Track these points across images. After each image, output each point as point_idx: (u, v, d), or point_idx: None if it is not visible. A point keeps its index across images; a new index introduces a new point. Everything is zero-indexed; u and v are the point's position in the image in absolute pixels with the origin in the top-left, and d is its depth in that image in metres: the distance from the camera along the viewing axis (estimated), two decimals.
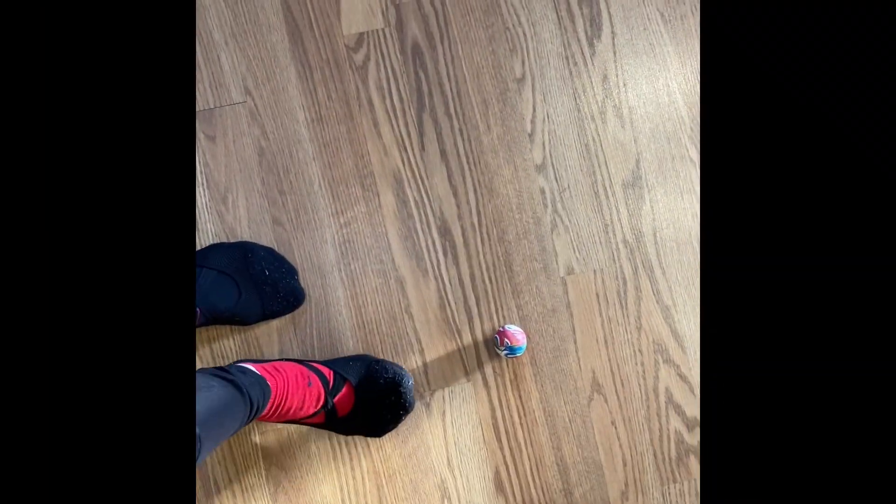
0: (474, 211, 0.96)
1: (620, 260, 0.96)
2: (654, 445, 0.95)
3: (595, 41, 0.97)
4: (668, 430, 0.95)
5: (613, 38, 0.97)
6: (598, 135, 0.96)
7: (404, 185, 0.96)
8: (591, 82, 0.97)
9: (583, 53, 0.97)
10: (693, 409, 0.95)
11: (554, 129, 0.96)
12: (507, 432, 0.94)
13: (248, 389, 0.75)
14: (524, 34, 0.97)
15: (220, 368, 0.79)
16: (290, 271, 0.93)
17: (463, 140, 0.96)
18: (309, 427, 0.91)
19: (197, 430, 0.61)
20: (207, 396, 0.68)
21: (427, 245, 0.96)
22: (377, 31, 0.97)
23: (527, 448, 0.94)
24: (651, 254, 0.96)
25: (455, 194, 0.96)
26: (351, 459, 0.93)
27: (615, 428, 0.95)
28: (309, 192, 0.96)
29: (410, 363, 0.95)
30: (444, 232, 0.96)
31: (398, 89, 0.96)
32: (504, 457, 0.94)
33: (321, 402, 0.85)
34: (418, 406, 0.94)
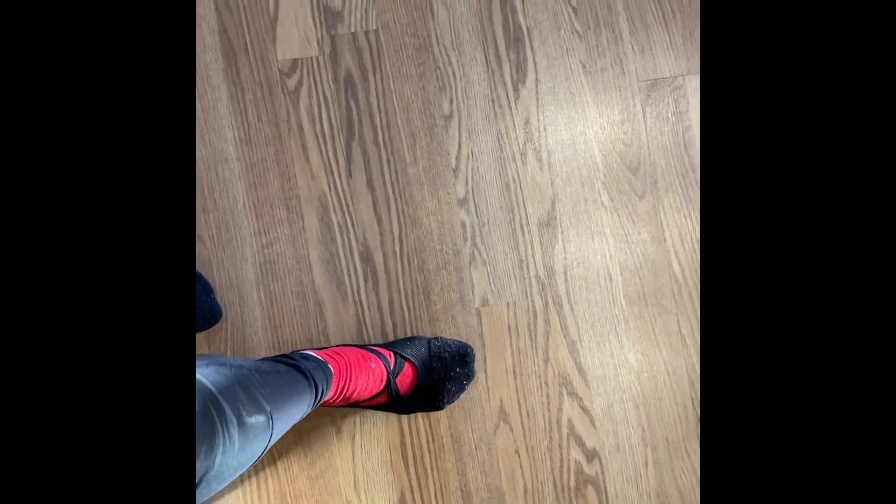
0: (397, 239, 0.99)
1: (532, 294, 1.00)
2: (554, 475, 0.99)
3: (520, 86, 1.02)
4: (569, 460, 0.99)
5: (537, 85, 1.02)
6: (518, 175, 1.01)
7: (329, 209, 0.98)
8: (514, 125, 1.02)
9: (507, 97, 1.02)
10: (593, 441, 1.00)
11: (477, 167, 1.01)
12: (414, 457, 0.97)
13: (311, 373, 0.75)
14: (454, 73, 1.01)
15: (283, 355, 0.81)
16: (206, 288, 0.93)
17: (390, 170, 0.99)
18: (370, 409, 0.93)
19: (268, 409, 0.61)
20: (275, 379, 0.68)
21: (348, 270, 0.98)
22: (311, 58, 0.99)
23: (432, 473, 0.97)
24: (561, 290, 1.01)
25: (379, 222, 0.99)
26: (257, 479, 0.93)
27: (518, 456, 0.98)
28: (232, 210, 0.96)
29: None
30: (366, 258, 0.98)
31: (329, 116, 0.99)
32: (410, 481, 0.96)
33: (384, 382, 0.87)
34: (328, 429, 0.95)
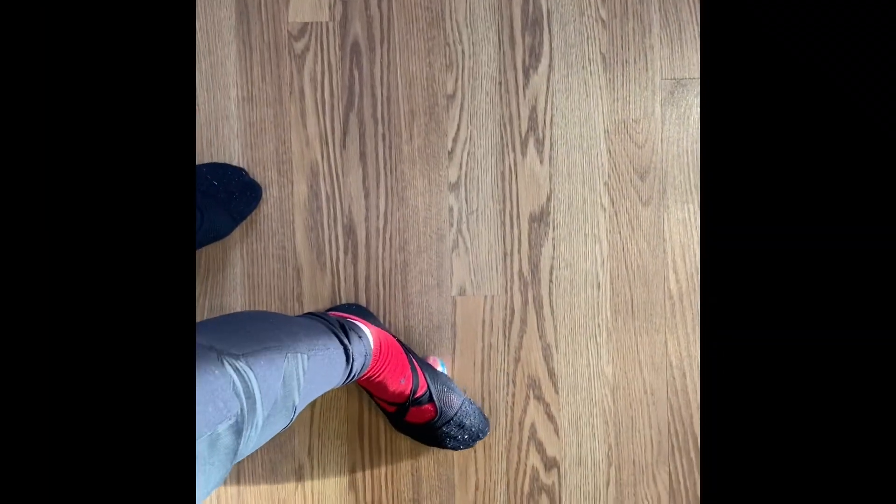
0: (381, 216, 0.98)
1: (513, 290, 0.97)
2: (508, 476, 0.96)
3: (531, 72, 0.97)
4: (526, 464, 0.96)
5: (550, 72, 0.97)
6: (516, 165, 0.97)
7: (319, 178, 0.98)
8: (519, 112, 0.97)
9: (516, 82, 0.97)
10: (554, 449, 0.96)
11: (474, 152, 0.97)
12: (370, 434, 0.97)
13: (354, 359, 0.76)
14: (463, 52, 0.97)
15: (342, 325, 0.79)
16: (236, 172, 0.95)
17: (384, 145, 0.98)
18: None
19: (297, 404, 0.63)
20: (321, 370, 0.69)
21: (330, 240, 0.98)
22: (321, 23, 0.98)
23: (386, 453, 0.97)
24: (543, 290, 0.96)
25: (366, 196, 0.98)
26: None
27: (474, 452, 0.96)
28: None
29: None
30: (349, 231, 0.98)
31: (331, 84, 0.98)
32: (363, 456, 0.97)
33: (402, 400, 0.88)
34: None
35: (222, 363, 0.53)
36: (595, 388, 0.96)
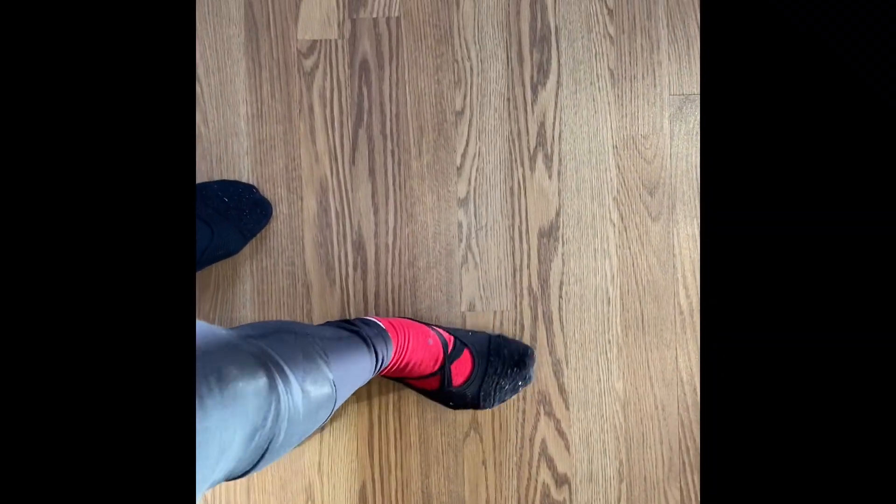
0: (391, 232, 0.98)
1: (522, 306, 0.97)
2: (519, 493, 0.96)
3: (539, 88, 0.97)
4: (537, 481, 0.96)
5: (558, 88, 0.97)
6: (524, 180, 0.97)
7: (329, 194, 0.98)
8: (528, 128, 0.97)
9: (525, 98, 0.97)
10: (565, 466, 0.96)
11: (482, 167, 0.97)
12: (380, 450, 0.96)
13: (372, 341, 0.78)
14: (471, 69, 0.98)
15: (346, 321, 0.83)
16: (246, 189, 0.96)
17: (393, 161, 0.98)
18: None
19: (332, 377, 0.64)
20: (338, 346, 0.71)
21: (340, 256, 0.98)
22: (330, 41, 0.99)
23: (396, 469, 0.96)
24: (553, 306, 0.96)
25: (375, 212, 0.98)
26: None
27: (485, 468, 0.96)
28: None
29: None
30: (359, 247, 0.98)
31: (340, 101, 0.98)
32: (373, 473, 0.97)
33: (438, 363, 0.87)
34: None
35: (240, 338, 0.55)
36: (606, 404, 0.96)
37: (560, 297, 0.96)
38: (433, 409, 0.96)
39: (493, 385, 0.90)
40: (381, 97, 0.98)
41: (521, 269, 0.97)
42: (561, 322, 0.96)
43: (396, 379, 0.91)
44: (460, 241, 0.97)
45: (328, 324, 0.82)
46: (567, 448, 0.96)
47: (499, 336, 0.93)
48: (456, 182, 0.98)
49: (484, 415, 0.96)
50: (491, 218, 0.97)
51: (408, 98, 0.98)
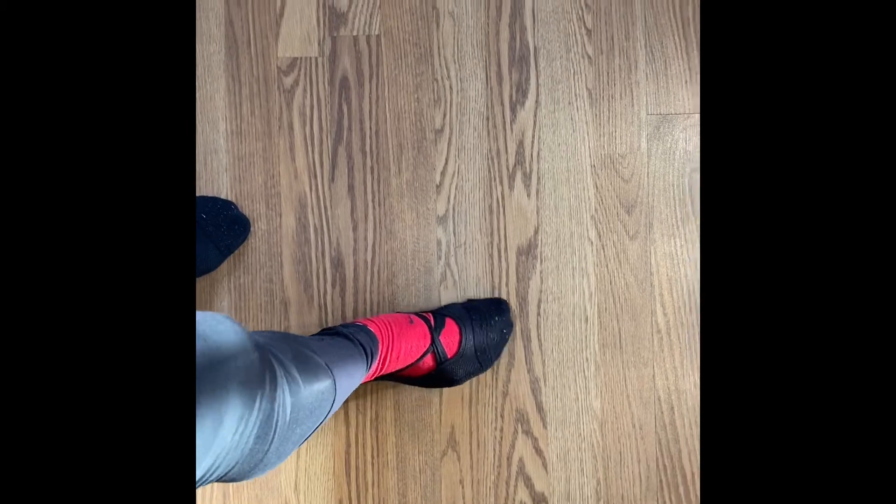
0: (370, 249, 0.98)
1: None
2: None
3: (518, 107, 0.98)
4: (515, 500, 0.95)
5: (536, 108, 0.98)
6: (503, 198, 0.97)
7: (308, 211, 0.98)
8: (507, 146, 0.98)
9: (504, 117, 0.98)
10: (542, 484, 0.95)
11: (462, 185, 0.98)
12: (357, 469, 0.96)
13: (356, 336, 0.78)
14: (451, 87, 0.98)
15: (322, 330, 0.84)
16: (225, 205, 0.95)
17: (372, 178, 0.98)
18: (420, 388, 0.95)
19: (332, 371, 0.64)
20: (326, 346, 0.71)
21: (318, 273, 0.98)
22: (311, 58, 0.99)
23: (373, 488, 0.96)
24: (531, 324, 0.96)
25: (355, 229, 0.98)
26: None
27: (462, 487, 0.96)
28: None
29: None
30: (337, 264, 0.98)
31: (320, 118, 0.99)
32: (350, 492, 0.96)
33: (428, 341, 0.87)
34: None
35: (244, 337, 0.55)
36: (583, 423, 0.96)
37: (538, 314, 0.96)
38: (411, 427, 0.96)
39: (484, 339, 0.91)
40: (360, 115, 0.99)
41: (499, 287, 0.97)
42: (539, 340, 0.96)
43: (395, 377, 0.90)
44: (439, 258, 0.97)
45: (307, 336, 0.82)
46: (544, 466, 0.95)
47: (467, 300, 0.95)
48: (435, 200, 0.98)
49: (462, 432, 0.96)
50: (470, 236, 0.97)
51: (388, 116, 0.99)
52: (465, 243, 0.97)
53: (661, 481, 0.95)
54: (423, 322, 0.88)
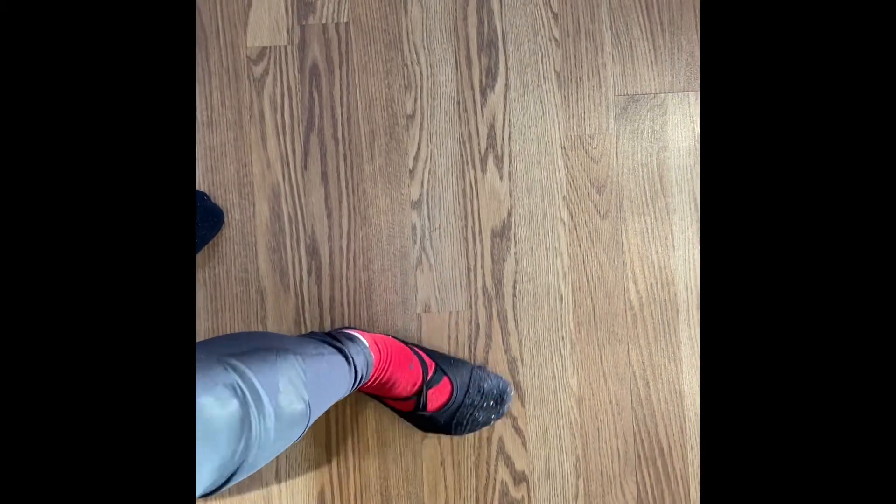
0: (345, 235, 0.98)
1: (477, 306, 0.97)
2: (478, 492, 0.96)
3: (488, 91, 0.99)
4: (495, 479, 0.96)
5: (506, 91, 0.99)
6: (476, 181, 0.98)
7: (281, 199, 0.98)
8: (478, 130, 0.99)
9: (474, 101, 0.99)
10: (523, 463, 0.96)
11: (434, 170, 0.99)
12: (338, 454, 0.96)
13: (354, 360, 0.77)
14: (421, 73, 0.99)
15: (329, 334, 0.82)
16: (198, 196, 0.95)
17: (345, 165, 0.99)
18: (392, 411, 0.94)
19: (307, 398, 0.63)
20: (318, 364, 0.70)
21: (293, 261, 0.98)
22: (280, 47, 0.99)
23: (354, 473, 0.96)
24: (507, 305, 0.97)
25: (329, 216, 0.98)
26: None
27: (443, 468, 0.96)
28: None
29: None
30: (313, 252, 0.98)
31: (290, 106, 0.99)
32: (331, 477, 0.96)
33: (416, 388, 0.87)
34: None
35: (218, 361, 0.55)
36: (561, 401, 0.97)
37: (514, 295, 0.98)
38: (389, 412, 0.96)
39: (468, 416, 0.91)
40: (331, 102, 0.99)
41: (474, 270, 0.98)
42: (515, 320, 0.97)
43: (373, 396, 0.91)
44: (414, 243, 0.98)
45: (312, 335, 0.81)
46: (524, 445, 0.97)
47: (480, 368, 0.94)
48: (409, 185, 0.99)
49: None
50: (444, 219, 0.98)
51: (359, 102, 0.99)
52: (439, 227, 0.98)
53: (638, 455, 0.97)
54: (420, 369, 0.88)
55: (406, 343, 0.92)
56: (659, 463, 0.97)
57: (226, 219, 0.97)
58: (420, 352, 0.91)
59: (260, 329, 0.97)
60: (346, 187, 0.98)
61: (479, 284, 0.98)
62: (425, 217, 0.98)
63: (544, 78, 0.99)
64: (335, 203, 0.98)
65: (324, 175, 0.98)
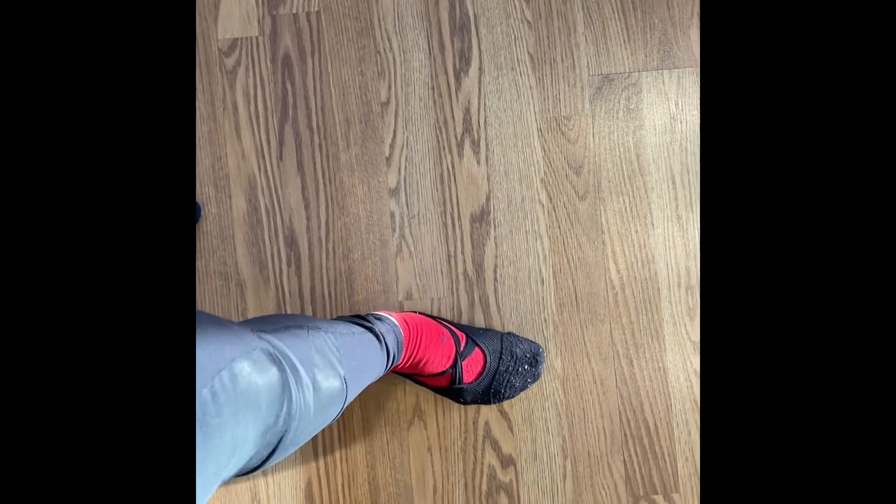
0: (323, 225, 0.98)
1: (459, 291, 0.97)
2: (466, 477, 0.96)
3: (462, 75, 0.99)
4: (483, 463, 0.96)
5: (480, 75, 0.99)
6: (453, 167, 0.98)
7: (258, 191, 0.97)
8: (453, 115, 0.98)
9: (449, 86, 0.98)
10: (509, 446, 0.96)
11: (411, 156, 0.98)
12: (324, 445, 0.96)
13: (384, 337, 0.77)
14: (394, 60, 0.98)
15: (358, 316, 0.82)
16: None
17: (321, 155, 0.98)
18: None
19: (342, 373, 0.63)
20: (350, 341, 0.70)
21: (272, 253, 0.97)
22: (251, 38, 0.98)
23: (341, 464, 0.96)
24: (489, 289, 0.97)
25: (307, 207, 0.98)
26: None
27: (431, 455, 0.96)
28: None
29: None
30: (291, 243, 0.97)
31: (264, 97, 0.98)
32: (318, 469, 0.96)
33: (450, 362, 0.87)
34: None
35: (252, 332, 0.55)
36: (545, 382, 0.97)
37: (495, 280, 0.97)
38: (376, 399, 0.96)
39: (504, 382, 0.91)
40: (305, 91, 0.98)
41: (455, 255, 0.98)
42: (497, 304, 0.97)
43: (407, 375, 0.91)
44: (394, 230, 0.98)
45: (340, 318, 0.81)
46: (510, 428, 0.97)
47: (510, 334, 0.94)
48: (386, 172, 0.98)
49: (427, 401, 0.96)
50: (423, 206, 0.98)
51: (332, 91, 0.98)
52: (418, 214, 0.98)
53: (625, 434, 0.97)
54: (453, 341, 0.88)
55: (435, 317, 0.92)
56: (646, 441, 0.97)
57: (203, 213, 0.96)
58: (449, 325, 0.91)
59: None
60: (323, 177, 0.98)
61: (460, 270, 0.97)
62: (404, 204, 0.98)
63: (518, 60, 0.99)
64: (312, 193, 0.98)
65: (300, 165, 0.98)
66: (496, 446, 0.96)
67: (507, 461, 0.96)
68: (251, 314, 0.96)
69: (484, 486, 0.96)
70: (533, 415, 0.97)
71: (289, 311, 0.97)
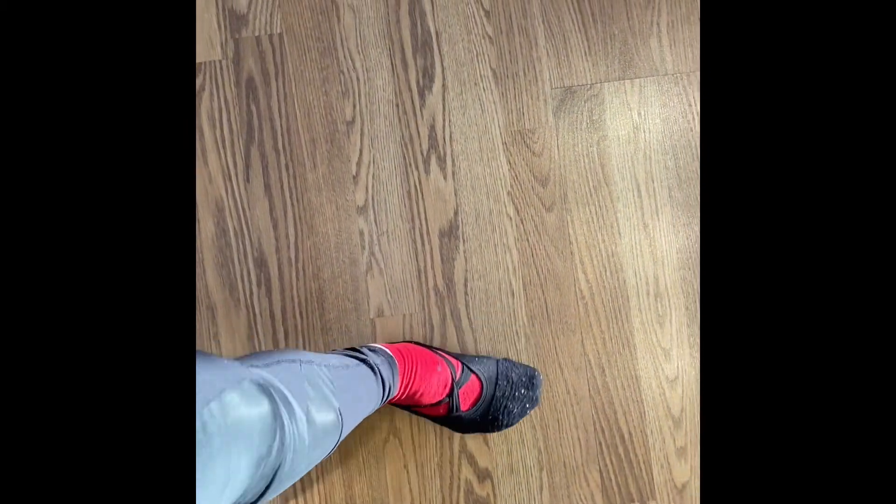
0: (292, 246, 0.98)
1: (430, 307, 0.98)
2: (443, 493, 0.96)
3: (426, 92, 0.99)
4: (460, 478, 0.96)
5: (444, 91, 0.99)
6: (420, 183, 0.99)
7: (225, 214, 0.98)
8: (419, 132, 0.99)
9: (413, 103, 0.99)
10: (485, 460, 0.97)
11: (378, 174, 0.99)
12: None
13: (379, 369, 0.77)
14: (358, 78, 0.99)
15: (352, 348, 0.82)
16: None
17: (288, 175, 0.98)
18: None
19: (337, 406, 0.62)
20: (344, 374, 0.69)
21: (242, 275, 0.97)
22: (215, 62, 0.99)
23: (318, 484, 0.96)
24: (460, 304, 0.98)
25: (275, 227, 0.98)
26: None
27: (407, 472, 0.96)
28: None
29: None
30: (261, 264, 0.97)
31: (229, 120, 0.98)
32: (295, 490, 0.95)
33: (447, 391, 0.87)
34: None
35: (242, 364, 0.54)
36: None
37: (466, 294, 0.98)
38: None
39: (502, 408, 0.91)
40: (270, 113, 0.99)
41: (425, 271, 0.98)
42: (469, 318, 0.98)
43: (404, 407, 0.91)
44: (363, 248, 0.98)
45: (334, 352, 0.81)
46: (486, 442, 0.97)
47: (505, 360, 0.94)
48: (353, 191, 0.99)
49: (402, 418, 0.96)
50: (391, 223, 0.98)
51: (297, 112, 0.99)
52: (387, 231, 0.98)
53: (600, 443, 0.97)
54: (448, 370, 0.88)
55: (429, 347, 0.92)
56: (621, 450, 0.97)
57: None
58: (444, 354, 0.91)
59: (213, 346, 0.96)
60: (291, 197, 0.98)
61: (431, 285, 0.98)
62: (372, 222, 0.98)
63: (481, 76, 1.00)
64: (280, 214, 0.98)
65: (267, 187, 0.98)
66: (472, 461, 0.96)
67: (483, 475, 0.96)
68: (223, 337, 0.96)
69: (461, 501, 0.96)
70: (508, 428, 0.97)
71: (260, 332, 0.97)
